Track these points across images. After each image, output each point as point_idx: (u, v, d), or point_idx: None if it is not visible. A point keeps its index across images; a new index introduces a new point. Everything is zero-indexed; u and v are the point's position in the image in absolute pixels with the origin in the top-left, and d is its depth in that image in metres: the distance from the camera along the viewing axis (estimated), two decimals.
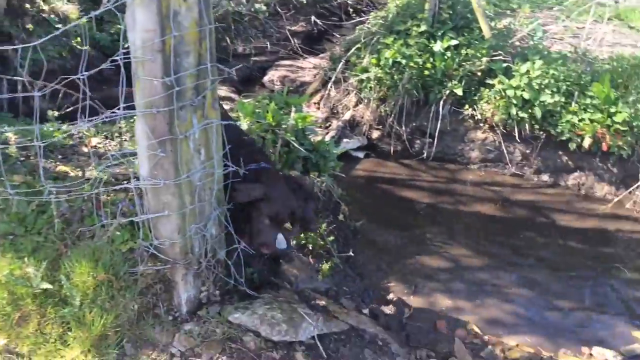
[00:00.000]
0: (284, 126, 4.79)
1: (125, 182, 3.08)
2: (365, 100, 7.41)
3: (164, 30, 2.30)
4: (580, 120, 6.45)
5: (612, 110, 6.28)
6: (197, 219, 2.95)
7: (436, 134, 7.18)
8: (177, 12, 2.32)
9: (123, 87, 2.37)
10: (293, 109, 4.98)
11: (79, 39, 6.98)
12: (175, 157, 2.64)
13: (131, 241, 3.00)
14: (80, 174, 3.68)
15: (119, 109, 2.43)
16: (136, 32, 2.32)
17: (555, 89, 6.52)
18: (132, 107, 2.56)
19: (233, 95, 7.57)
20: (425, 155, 7.33)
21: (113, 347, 2.79)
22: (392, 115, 7.25)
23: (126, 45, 2.39)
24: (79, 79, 2.45)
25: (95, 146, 4.32)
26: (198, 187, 2.87)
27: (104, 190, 2.93)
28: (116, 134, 4.54)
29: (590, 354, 4.20)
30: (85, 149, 4.27)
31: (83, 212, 3.18)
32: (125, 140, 4.51)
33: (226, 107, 5.68)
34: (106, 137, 4.43)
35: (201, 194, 2.93)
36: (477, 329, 4.41)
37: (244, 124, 4.79)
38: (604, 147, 6.39)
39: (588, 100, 6.47)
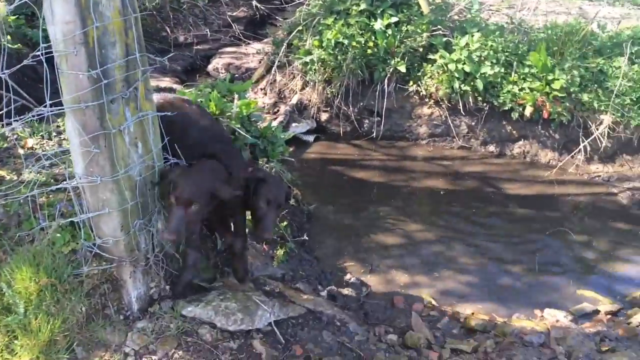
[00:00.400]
0: (228, 114, 4.72)
1: (64, 182, 2.97)
2: (311, 83, 7.37)
3: (85, 21, 2.21)
4: (520, 90, 6.60)
5: (550, 77, 6.44)
6: (141, 214, 2.88)
7: (383, 112, 7.23)
8: (98, 1, 2.23)
9: (48, 83, 2.27)
10: (236, 96, 4.91)
11: (9, 37, 6.69)
12: (110, 152, 2.56)
13: (73, 242, 2.91)
14: (16, 177, 3.53)
15: (45, 106, 2.33)
16: (56, 25, 2.23)
17: (494, 60, 6.64)
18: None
19: (176, 86, 7.40)
20: (374, 134, 7.37)
21: (63, 352, 2.72)
22: (339, 96, 7.25)
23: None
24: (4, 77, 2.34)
25: (32, 147, 4.16)
26: (138, 182, 2.80)
27: (39, 192, 2.83)
28: (54, 134, 4.37)
29: (542, 316, 4.33)
30: (21, 151, 4.10)
31: (20, 217, 3.07)
32: (65, 139, 4.36)
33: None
34: (43, 138, 4.27)
35: (142, 189, 2.86)
36: (433, 301, 4.48)
37: None
38: (545, 114, 6.57)
39: (526, 70, 6.61)
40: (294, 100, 7.50)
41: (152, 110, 2.81)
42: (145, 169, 2.85)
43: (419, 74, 7.10)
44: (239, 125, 4.73)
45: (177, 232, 2.72)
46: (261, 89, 7.89)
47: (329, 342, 3.44)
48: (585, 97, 6.41)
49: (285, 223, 4.62)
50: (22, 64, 2.32)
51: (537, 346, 3.79)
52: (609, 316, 4.27)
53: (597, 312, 4.34)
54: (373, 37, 6.99)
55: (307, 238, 4.87)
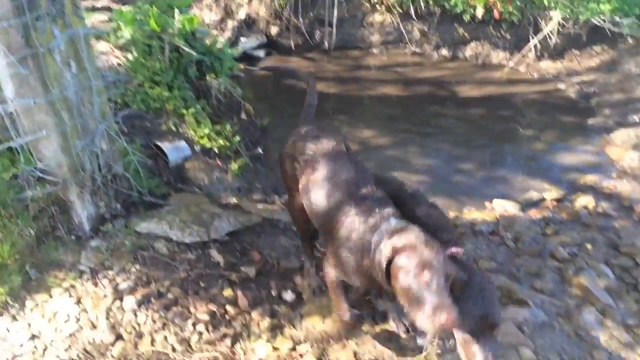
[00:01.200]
0: (170, 31, 4.57)
1: None
2: None
3: None
4: None
5: None
6: (81, 135, 2.85)
7: (335, 22, 7.08)
8: None
9: None
10: (177, 11, 4.74)
11: None
12: (40, 72, 2.50)
13: (13, 167, 2.88)
14: None
15: None
16: None
17: None
18: None
19: (114, 5, 7.04)
20: (326, 45, 7.25)
21: (16, 274, 2.75)
22: (288, 7, 7.06)
23: None
24: None
25: None
26: (75, 102, 2.75)
27: None
28: None
29: (492, 207, 4.50)
30: None
31: None
32: None
33: (104, 17, 5.33)
34: None
35: (81, 109, 2.81)
36: None
37: (126, 33, 4.54)
38: (496, 15, 6.54)
39: None
40: (242, 14, 7.27)
41: (83, 28, 2.71)
42: (81, 89, 2.79)
43: None
44: (183, 42, 4.61)
45: None
46: (206, 5, 7.58)
47: (286, 246, 3.55)
48: None
49: (237, 138, 4.60)
50: None
51: (487, 234, 3.99)
52: (554, 203, 4.45)
53: (543, 200, 4.51)
54: None
55: (261, 151, 4.90)
